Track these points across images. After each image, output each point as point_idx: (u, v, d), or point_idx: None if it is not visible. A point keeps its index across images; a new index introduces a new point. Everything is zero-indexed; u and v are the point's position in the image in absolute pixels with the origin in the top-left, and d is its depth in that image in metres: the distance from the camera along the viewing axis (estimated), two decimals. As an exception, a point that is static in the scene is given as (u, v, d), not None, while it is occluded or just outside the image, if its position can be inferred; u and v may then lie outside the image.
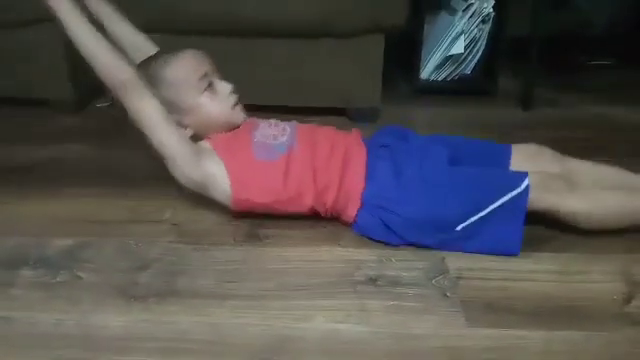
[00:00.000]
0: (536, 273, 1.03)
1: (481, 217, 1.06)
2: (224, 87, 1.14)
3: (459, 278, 1.02)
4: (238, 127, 1.17)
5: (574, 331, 0.91)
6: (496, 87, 1.75)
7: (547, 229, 1.13)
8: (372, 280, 1.01)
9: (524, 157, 1.19)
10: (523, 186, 1.06)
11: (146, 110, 1.05)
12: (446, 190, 1.07)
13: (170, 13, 1.42)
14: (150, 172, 1.19)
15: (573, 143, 1.27)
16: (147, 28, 1.45)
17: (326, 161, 1.11)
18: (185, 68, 1.11)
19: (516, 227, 1.06)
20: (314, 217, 1.15)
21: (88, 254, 1.07)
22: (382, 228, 1.08)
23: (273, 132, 1.15)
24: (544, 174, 1.11)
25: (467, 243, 1.07)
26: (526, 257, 1.07)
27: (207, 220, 1.16)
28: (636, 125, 1.61)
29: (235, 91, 1.16)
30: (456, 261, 1.06)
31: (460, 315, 0.94)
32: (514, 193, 1.06)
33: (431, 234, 1.07)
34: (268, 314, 0.94)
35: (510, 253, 1.08)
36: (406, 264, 1.05)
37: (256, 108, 1.25)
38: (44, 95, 1.62)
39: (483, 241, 1.07)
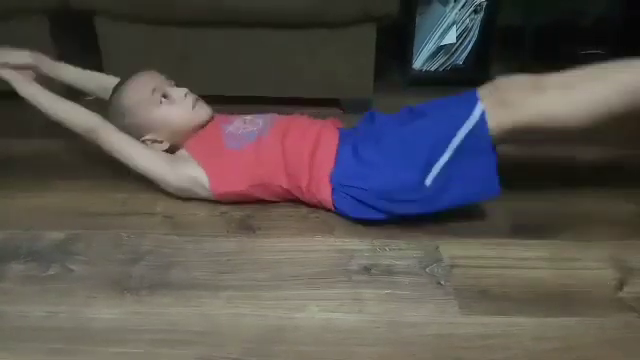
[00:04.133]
0: (529, 260, 1.04)
1: (446, 163, 1.02)
2: (177, 92, 1.19)
3: (453, 266, 1.02)
4: (209, 123, 1.21)
5: (568, 317, 0.92)
6: (488, 77, 1.74)
7: (538, 216, 1.14)
8: (366, 269, 1.01)
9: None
10: (476, 114, 0.97)
11: (116, 144, 1.15)
12: (399, 150, 1.06)
13: (158, 4, 1.41)
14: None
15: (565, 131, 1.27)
16: (133, 19, 1.44)
17: (296, 145, 1.12)
18: (136, 90, 1.17)
19: (487, 161, 1.00)
20: (307, 207, 1.15)
21: (79, 247, 1.06)
22: (357, 205, 1.08)
23: (245, 126, 1.19)
24: (498, 86, 1.00)
25: (444, 197, 1.04)
26: (518, 245, 1.07)
27: (200, 212, 1.16)
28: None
29: (190, 92, 1.20)
30: (450, 249, 1.05)
31: (454, 303, 0.94)
32: (470, 125, 0.98)
33: (405, 200, 1.06)
34: (262, 304, 0.94)
35: (490, 194, 1.04)
36: (400, 253, 1.05)
37: (247, 100, 1.24)
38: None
39: (458, 189, 1.03)
